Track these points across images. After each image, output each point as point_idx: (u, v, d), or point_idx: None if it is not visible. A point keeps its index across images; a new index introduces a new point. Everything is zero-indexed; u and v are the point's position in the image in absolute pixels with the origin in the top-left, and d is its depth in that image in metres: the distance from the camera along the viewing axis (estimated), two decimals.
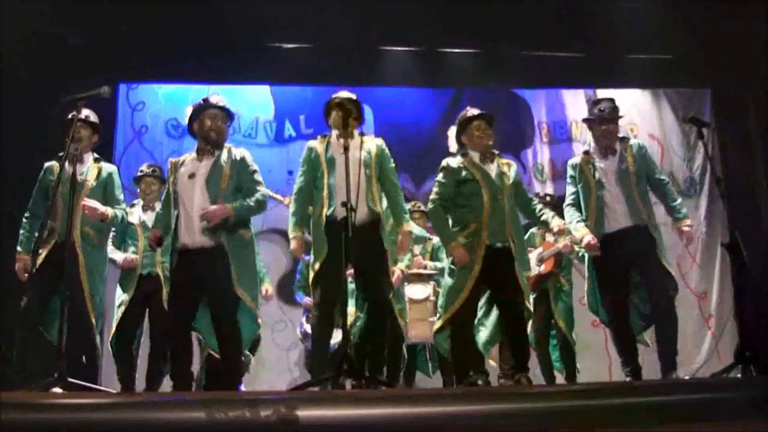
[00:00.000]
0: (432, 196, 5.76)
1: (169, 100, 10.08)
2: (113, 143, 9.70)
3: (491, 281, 5.61)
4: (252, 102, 10.27)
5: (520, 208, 5.84)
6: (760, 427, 3.36)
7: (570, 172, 6.08)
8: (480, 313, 6.00)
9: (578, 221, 5.92)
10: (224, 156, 5.53)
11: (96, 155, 6.12)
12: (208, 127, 5.54)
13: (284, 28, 9.54)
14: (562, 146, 10.41)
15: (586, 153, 6.07)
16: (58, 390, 4.52)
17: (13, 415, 2.91)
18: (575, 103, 10.57)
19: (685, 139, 10.38)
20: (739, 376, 5.24)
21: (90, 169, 5.97)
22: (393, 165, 5.71)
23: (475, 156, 5.76)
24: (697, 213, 10.05)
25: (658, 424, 3.36)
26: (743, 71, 9.44)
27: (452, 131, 6.01)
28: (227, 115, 5.68)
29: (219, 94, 6.81)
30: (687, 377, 7.33)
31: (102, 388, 5.31)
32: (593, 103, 6.12)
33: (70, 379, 4.65)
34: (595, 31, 9.42)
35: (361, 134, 5.64)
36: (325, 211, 5.43)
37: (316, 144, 5.69)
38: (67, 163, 5.50)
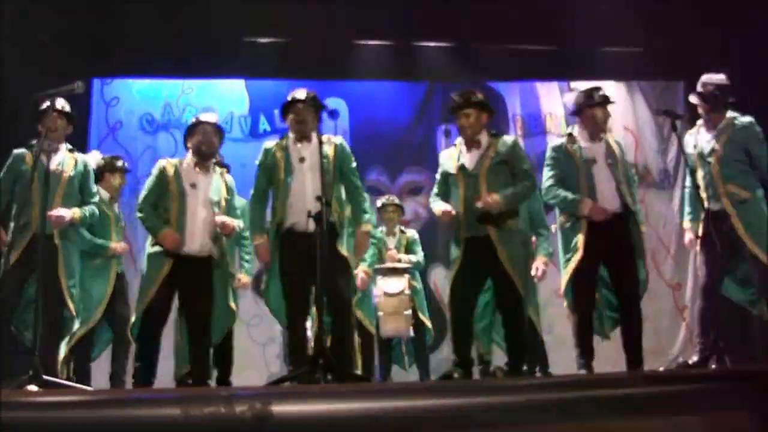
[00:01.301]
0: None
1: (143, 96, 10.05)
2: (87, 139, 9.64)
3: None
4: (227, 96, 10.25)
5: None
6: (734, 418, 3.39)
7: (552, 154, 5.91)
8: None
9: (572, 194, 5.74)
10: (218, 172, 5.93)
11: (69, 146, 6.09)
12: (200, 142, 5.80)
13: (259, 22, 9.51)
14: (537, 139, 10.42)
15: (570, 135, 5.95)
16: (32, 388, 4.49)
17: None
18: (549, 96, 10.61)
19: (659, 131, 10.44)
20: (713, 366, 5.30)
21: (66, 159, 5.95)
22: (354, 164, 5.67)
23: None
24: (671, 204, 10.12)
25: (634, 416, 3.38)
26: (716, 63, 9.50)
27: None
28: (218, 130, 5.95)
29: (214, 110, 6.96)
30: (662, 368, 7.38)
31: (77, 385, 5.28)
32: (589, 90, 6.03)
33: (45, 377, 4.63)
34: (568, 23, 9.43)
35: (320, 135, 5.42)
36: (285, 224, 5.46)
37: (273, 147, 5.66)
38: (42, 154, 5.54)
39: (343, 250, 5.45)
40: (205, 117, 5.95)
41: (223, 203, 5.79)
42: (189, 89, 10.17)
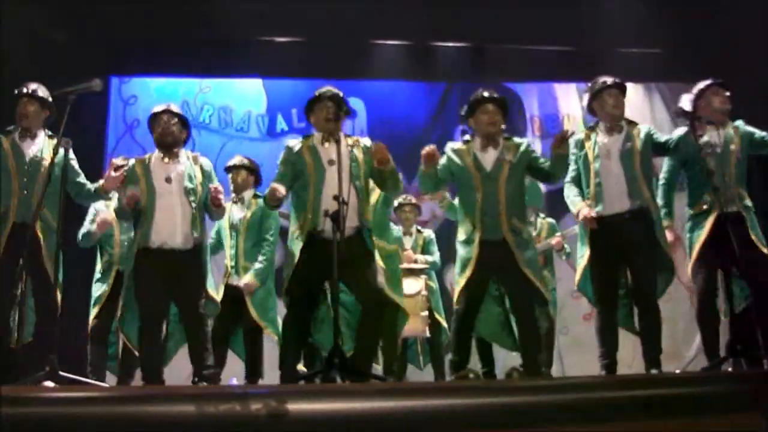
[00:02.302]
0: None
1: (161, 94, 10.03)
2: (105, 137, 9.69)
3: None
4: (244, 95, 10.28)
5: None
6: (751, 422, 3.37)
7: (572, 149, 5.81)
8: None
9: (575, 196, 5.76)
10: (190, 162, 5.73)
11: (50, 132, 5.90)
12: (159, 134, 5.69)
13: (276, 21, 9.53)
14: None
15: (590, 128, 5.88)
16: (49, 384, 4.51)
17: (3, 410, 2.90)
18: (567, 97, 10.60)
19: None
20: (730, 369, 5.27)
21: (45, 146, 5.78)
22: None
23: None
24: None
25: (649, 419, 3.37)
26: (735, 65, 9.46)
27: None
28: (179, 118, 5.79)
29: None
30: (678, 371, 7.35)
31: (93, 381, 5.29)
32: (596, 79, 5.96)
33: (62, 373, 4.64)
34: (587, 24, 9.41)
35: (347, 136, 5.41)
36: (308, 226, 5.23)
37: (300, 146, 5.43)
38: (17, 138, 5.60)
39: (371, 246, 5.30)
40: (159, 107, 5.80)
41: (199, 189, 5.62)
42: (206, 88, 10.21)
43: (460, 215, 5.66)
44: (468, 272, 5.42)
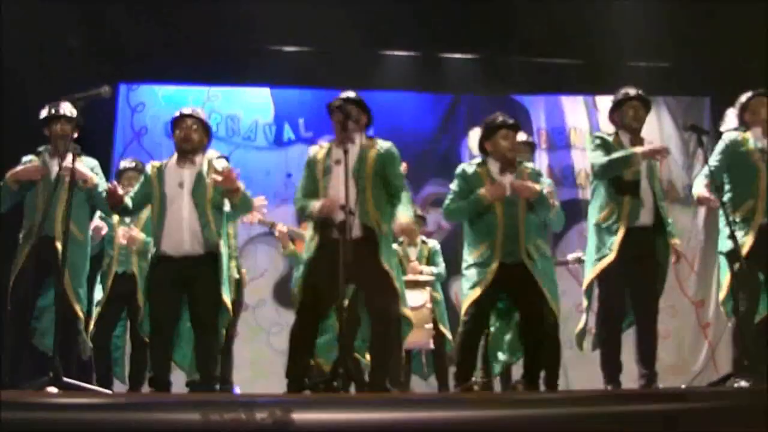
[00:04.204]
0: None
1: (169, 102, 10.07)
2: (112, 143, 9.72)
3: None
4: (251, 104, 10.30)
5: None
6: None
7: (597, 141, 5.72)
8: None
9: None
10: (205, 167, 5.62)
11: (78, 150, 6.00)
12: (180, 138, 5.64)
13: (284, 30, 9.55)
14: (561, 153, 10.42)
15: (616, 135, 5.77)
16: (52, 389, 4.50)
17: (6, 415, 2.90)
18: (574, 110, 10.59)
19: (685, 147, 10.40)
20: (736, 385, 5.24)
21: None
22: (400, 170, 5.48)
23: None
24: (695, 221, 10.07)
25: None
26: (743, 79, 9.44)
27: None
28: (202, 124, 5.72)
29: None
30: (684, 386, 7.33)
31: (97, 388, 5.29)
32: (618, 93, 5.84)
33: (65, 379, 4.64)
34: (594, 37, 9.41)
35: (369, 138, 5.43)
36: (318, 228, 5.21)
37: (318, 149, 5.46)
38: (47, 157, 5.60)
39: (386, 263, 5.12)
40: (185, 110, 5.75)
41: (210, 191, 5.53)
42: (215, 96, 10.22)
43: (474, 238, 5.64)
44: (478, 291, 5.42)
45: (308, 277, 5.17)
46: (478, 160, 5.77)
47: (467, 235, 5.72)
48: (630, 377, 5.70)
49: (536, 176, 5.74)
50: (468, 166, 5.75)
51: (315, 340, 5.33)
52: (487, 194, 5.46)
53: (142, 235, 6.50)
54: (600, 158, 5.64)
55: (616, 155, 5.55)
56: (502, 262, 5.40)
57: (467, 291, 5.51)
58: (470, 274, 5.53)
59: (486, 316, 5.60)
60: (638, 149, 5.54)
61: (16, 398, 3.27)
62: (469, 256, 5.59)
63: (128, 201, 5.50)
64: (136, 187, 5.68)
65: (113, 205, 5.44)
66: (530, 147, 6.90)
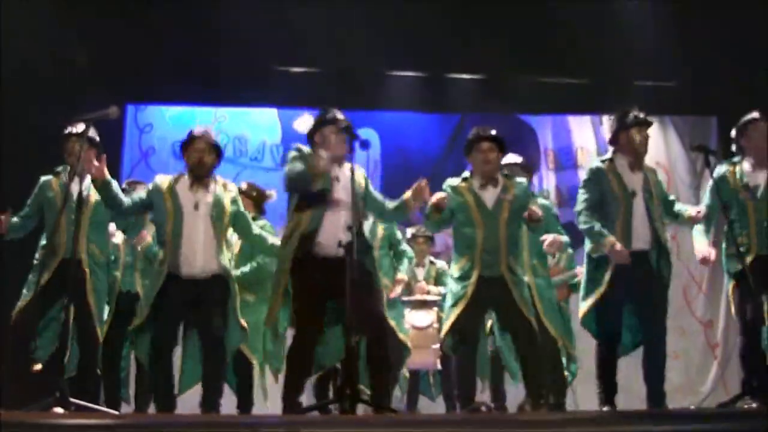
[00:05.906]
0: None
1: (176, 123, 10.10)
2: (120, 164, 9.73)
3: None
4: (259, 125, 10.32)
5: None
6: None
7: (590, 176, 5.60)
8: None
9: (601, 227, 5.41)
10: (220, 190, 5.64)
11: None
12: (193, 162, 5.63)
13: (291, 51, 9.59)
14: (568, 173, 10.41)
15: (611, 161, 5.61)
16: (59, 410, 4.50)
17: None
18: (581, 130, 10.59)
19: (692, 166, 10.37)
20: (746, 406, 5.21)
21: (91, 185, 5.81)
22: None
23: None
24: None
25: None
26: (749, 99, 9.44)
27: None
28: (213, 147, 5.71)
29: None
30: (693, 407, 7.29)
31: (103, 408, 5.28)
32: (622, 112, 5.68)
33: (72, 399, 4.64)
34: (601, 57, 9.43)
35: (352, 164, 5.18)
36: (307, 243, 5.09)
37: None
38: (66, 178, 5.61)
39: (372, 267, 5.19)
40: (198, 131, 5.73)
41: (227, 216, 5.57)
42: (222, 117, 10.24)
43: (456, 251, 5.65)
44: (460, 307, 5.40)
45: (299, 298, 5.12)
46: (466, 174, 5.76)
47: (453, 249, 5.75)
48: (638, 397, 5.67)
49: (526, 192, 5.73)
50: (453, 180, 5.75)
51: (312, 361, 5.21)
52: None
53: (149, 238, 6.49)
54: (584, 214, 5.52)
55: (594, 230, 5.42)
56: (481, 275, 5.41)
57: (448, 310, 5.51)
58: (452, 288, 5.56)
59: (473, 334, 5.55)
60: (610, 242, 5.33)
61: (22, 419, 3.26)
62: (453, 270, 5.62)
63: (126, 200, 5.48)
64: (141, 193, 5.69)
65: (94, 177, 5.32)
66: (526, 170, 6.79)
